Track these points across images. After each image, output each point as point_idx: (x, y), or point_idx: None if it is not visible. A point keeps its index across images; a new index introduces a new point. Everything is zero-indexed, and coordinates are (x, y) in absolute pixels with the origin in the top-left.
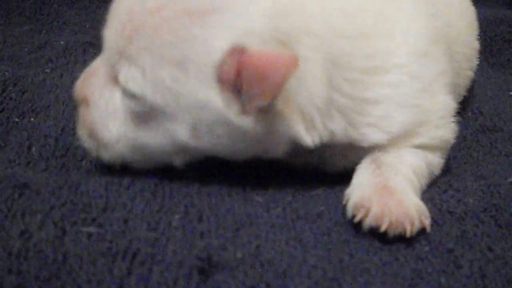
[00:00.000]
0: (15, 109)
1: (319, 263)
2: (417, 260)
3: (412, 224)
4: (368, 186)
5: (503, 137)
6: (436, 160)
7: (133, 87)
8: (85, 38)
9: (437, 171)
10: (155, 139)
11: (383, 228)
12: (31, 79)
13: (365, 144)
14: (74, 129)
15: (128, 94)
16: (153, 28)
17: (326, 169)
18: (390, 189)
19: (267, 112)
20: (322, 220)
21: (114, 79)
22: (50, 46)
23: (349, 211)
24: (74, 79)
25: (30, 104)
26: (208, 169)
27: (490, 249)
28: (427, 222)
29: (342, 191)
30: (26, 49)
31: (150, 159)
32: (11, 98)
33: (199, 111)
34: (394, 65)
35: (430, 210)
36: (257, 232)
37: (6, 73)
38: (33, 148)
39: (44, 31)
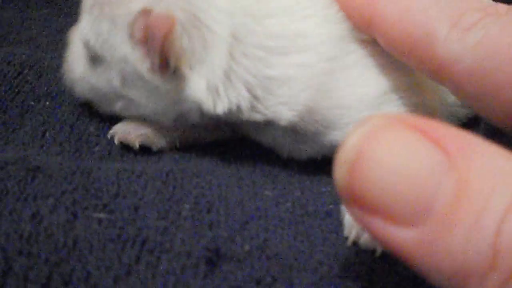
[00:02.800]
0: (31, 92)
1: (325, 259)
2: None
3: None
4: None
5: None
6: None
7: (84, 35)
8: None
9: None
10: (100, 82)
11: (379, 252)
12: (47, 63)
13: (282, 122)
14: (90, 115)
15: (83, 41)
16: None
17: (293, 155)
18: None
19: (175, 74)
20: (330, 218)
21: None
22: (67, 30)
23: (344, 230)
24: None
25: (45, 88)
26: (218, 161)
27: None
28: None
29: None
30: (44, 32)
31: (104, 102)
32: (27, 81)
33: (123, 64)
34: (304, 46)
35: None
36: (265, 226)
37: (23, 55)
38: (47, 133)
39: (62, 15)
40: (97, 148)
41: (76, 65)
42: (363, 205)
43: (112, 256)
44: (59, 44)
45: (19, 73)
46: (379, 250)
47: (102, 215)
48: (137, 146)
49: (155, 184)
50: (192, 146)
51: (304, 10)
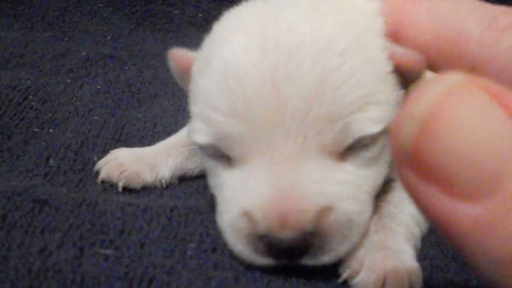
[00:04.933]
0: (35, 119)
1: None
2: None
3: None
4: (364, 243)
5: None
6: None
7: None
8: (105, 50)
9: None
10: None
11: None
12: (51, 89)
13: None
14: (93, 143)
15: None
16: None
17: None
18: (387, 251)
19: None
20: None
21: None
22: (71, 55)
23: (339, 268)
24: (94, 91)
25: (50, 115)
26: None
27: None
28: None
29: None
30: (47, 56)
31: None
32: (31, 107)
33: None
34: None
35: (435, 255)
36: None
37: (28, 81)
38: (51, 160)
39: (65, 39)
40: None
41: None
42: (425, 170)
43: None
44: (62, 70)
45: (24, 99)
46: None
47: (108, 252)
48: (120, 189)
49: (160, 220)
50: (190, 181)
51: None
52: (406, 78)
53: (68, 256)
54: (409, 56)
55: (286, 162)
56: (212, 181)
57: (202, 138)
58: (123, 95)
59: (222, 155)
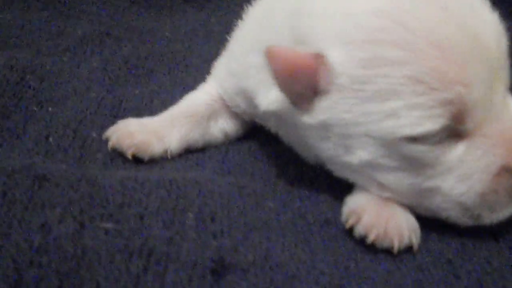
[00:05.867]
0: (34, 98)
1: (326, 269)
2: (418, 271)
3: (400, 240)
4: (366, 195)
5: None
6: None
7: None
8: (101, 28)
9: None
10: None
11: (370, 239)
12: (49, 67)
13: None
14: (92, 120)
15: None
16: None
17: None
18: (387, 201)
19: None
20: (329, 226)
21: None
22: (67, 34)
23: (343, 216)
24: (90, 69)
25: (48, 94)
26: (218, 170)
27: (488, 262)
28: (415, 241)
29: None
30: (43, 36)
31: None
32: (29, 87)
33: None
34: None
35: (432, 222)
36: (267, 236)
37: (25, 60)
38: (51, 138)
39: (61, 19)
40: (99, 155)
41: None
42: None
43: (120, 267)
44: (58, 49)
45: (22, 79)
46: (369, 238)
47: (108, 225)
48: (130, 157)
49: (158, 193)
50: (190, 154)
51: None
52: None
53: (68, 231)
54: None
55: (506, 111)
56: (426, 173)
57: (428, 124)
58: (119, 72)
59: (444, 136)
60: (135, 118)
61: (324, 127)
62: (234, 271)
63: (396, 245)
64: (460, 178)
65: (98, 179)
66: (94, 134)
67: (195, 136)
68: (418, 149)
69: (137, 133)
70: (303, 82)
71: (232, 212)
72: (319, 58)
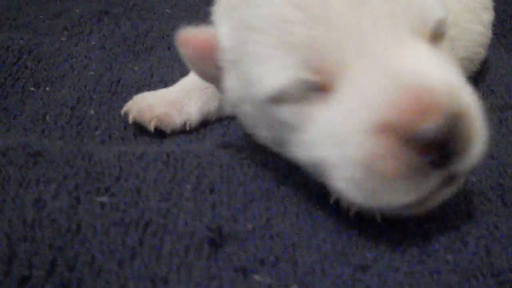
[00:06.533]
0: (31, 78)
1: (328, 237)
2: (424, 238)
3: None
4: None
5: None
6: None
7: None
8: (100, 6)
9: None
10: None
11: (352, 212)
12: (46, 47)
13: None
14: (90, 97)
15: None
16: None
17: None
18: None
19: None
20: (331, 196)
21: None
22: (65, 14)
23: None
24: (89, 48)
25: (45, 73)
26: (219, 143)
27: (496, 227)
28: None
29: None
30: (41, 17)
31: None
32: (26, 67)
33: None
34: None
35: None
36: (267, 205)
37: (21, 40)
38: (48, 117)
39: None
40: (97, 132)
41: None
42: None
43: (116, 240)
44: (56, 29)
45: (18, 59)
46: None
47: (104, 199)
48: (152, 129)
49: (156, 166)
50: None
51: None
52: None
53: (63, 205)
54: None
55: (390, 56)
56: (297, 136)
57: (280, 77)
58: (118, 49)
59: (307, 92)
60: (128, 97)
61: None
62: (233, 241)
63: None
64: (332, 142)
65: (95, 155)
66: (92, 112)
67: (211, 108)
68: (284, 111)
69: (157, 105)
70: (210, 64)
71: (232, 183)
72: (215, 36)
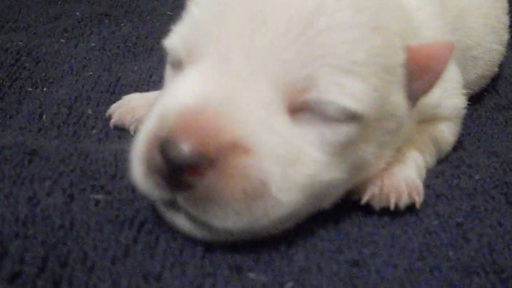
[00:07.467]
0: (28, 78)
1: (324, 233)
2: (425, 234)
3: (398, 198)
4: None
5: None
6: (452, 129)
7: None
8: (100, 9)
9: (450, 142)
10: None
11: (365, 199)
12: (45, 49)
13: None
14: (88, 97)
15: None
16: None
17: None
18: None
19: None
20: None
21: None
22: (65, 16)
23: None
24: (88, 49)
25: (43, 74)
26: None
27: (499, 224)
28: (418, 198)
29: None
30: (41, 19)
31: None
32: (24, 68)
33: None
34: None
35: (441, 185)
36: None
37: (20, 42)
38: (44, 116)
39: (60, 2)
40: (94, 131)
41: None
42: None
43: (109, 237)
44: (56, 31)
45: (17, 60)
46: (364, 198)
47: (99, 196)
48: (132, 132)
49: None
50: None
51: None
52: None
53: (57, 203)
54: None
55: (234, 76)
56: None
57: (172, 37)
58: (118, 51)
59: (177, 64)
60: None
61: None
62: None
63: (392, 203)
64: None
65: (91, 153)
66: (90, 111)
67: None
68: (167, 68)
69: (138, 108)
70: None
71: None
72: None
